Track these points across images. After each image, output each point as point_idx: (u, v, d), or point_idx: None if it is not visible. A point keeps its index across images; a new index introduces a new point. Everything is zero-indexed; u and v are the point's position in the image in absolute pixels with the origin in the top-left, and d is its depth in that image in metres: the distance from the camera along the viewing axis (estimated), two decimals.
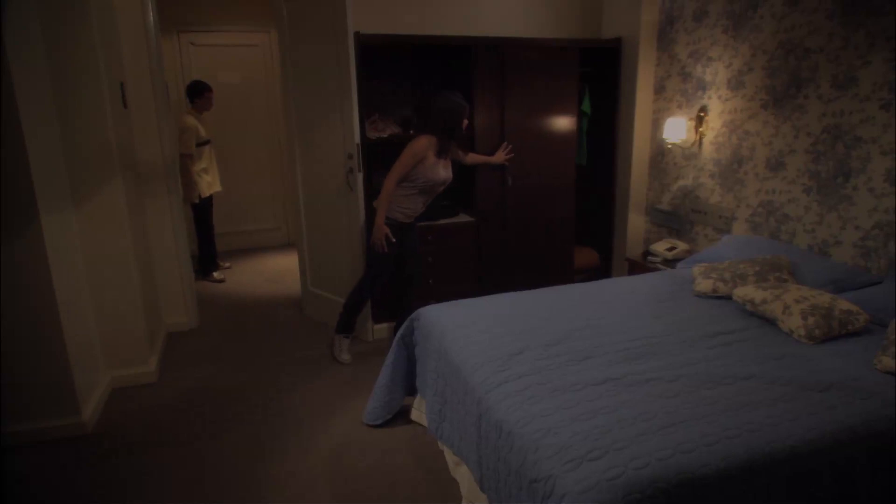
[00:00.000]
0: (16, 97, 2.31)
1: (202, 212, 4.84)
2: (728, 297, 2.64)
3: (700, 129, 3.56)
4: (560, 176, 4.00)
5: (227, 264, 5.34)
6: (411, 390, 2.69)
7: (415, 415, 2.70)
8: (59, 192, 2.70)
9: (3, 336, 2.49)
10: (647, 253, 3.84)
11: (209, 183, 4.80)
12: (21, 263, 2.46)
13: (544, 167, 3.94)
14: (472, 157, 3.64)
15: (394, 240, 3.14)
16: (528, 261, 4.07)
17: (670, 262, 3.57)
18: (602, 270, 4.39)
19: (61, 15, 2.67)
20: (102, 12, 2.94)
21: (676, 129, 3.60)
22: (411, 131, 3.77)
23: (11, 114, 2.31)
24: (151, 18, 3.40)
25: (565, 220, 4.10)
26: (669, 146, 3.81)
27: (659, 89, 3.92)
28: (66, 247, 2.73)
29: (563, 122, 3.92)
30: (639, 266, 3.76)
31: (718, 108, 3.44)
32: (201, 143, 4.62)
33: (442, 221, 3.78)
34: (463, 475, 2.17)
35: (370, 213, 3.34)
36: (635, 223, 4.18)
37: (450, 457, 2.31)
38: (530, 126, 3.84)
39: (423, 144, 3.05)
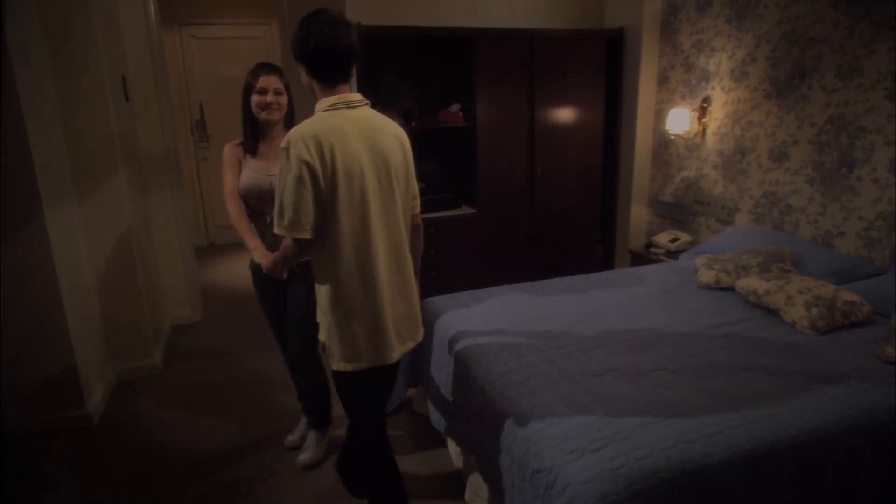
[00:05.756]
0: (18, 91, 2.31)
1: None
2: (731, 289, 2.64)
3: (703, 120, 3.54)
4: (583, 168, 4.09)
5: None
6: (414, 382, 2.70)
7: (418, 406, 2.71)
8: (62, 186, 2.71)
9: (8, 329, 2.50)
10: (649, 244, 3.83)
11: None
12: (25, 257, 2.47)
13: (570, 159, 4.03)
14: None
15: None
16: (547, 254, 4.14)
17: (673, 254, 3.57)
18: (605, 262, 4.39)
19: (62, 8, 2.67)
20: (104, 5, 2.93)
21: (679, 120, 3.58)
22: (412, 123, 3.76)
23: (14, 108, 2.31)
24: (153, 11, 3.39)
25: (588, 214, 4.19)
26: (672, 137, 3.79)
27: (662, 80, 3.89)
28: (70, 240, 2.74)
29: (583, 115, 4.00)
30: (641, 257, 3.76)
31: (722, 99, 3.42)
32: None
33: (445, 213, 3.78)
34: (466, 466, 2.17)
35: None
36: (638, 214, 4.17)
37: (453, 448, 2.32)
38: (544, 119, 3.85)
39: (226, 148, 2.26)
